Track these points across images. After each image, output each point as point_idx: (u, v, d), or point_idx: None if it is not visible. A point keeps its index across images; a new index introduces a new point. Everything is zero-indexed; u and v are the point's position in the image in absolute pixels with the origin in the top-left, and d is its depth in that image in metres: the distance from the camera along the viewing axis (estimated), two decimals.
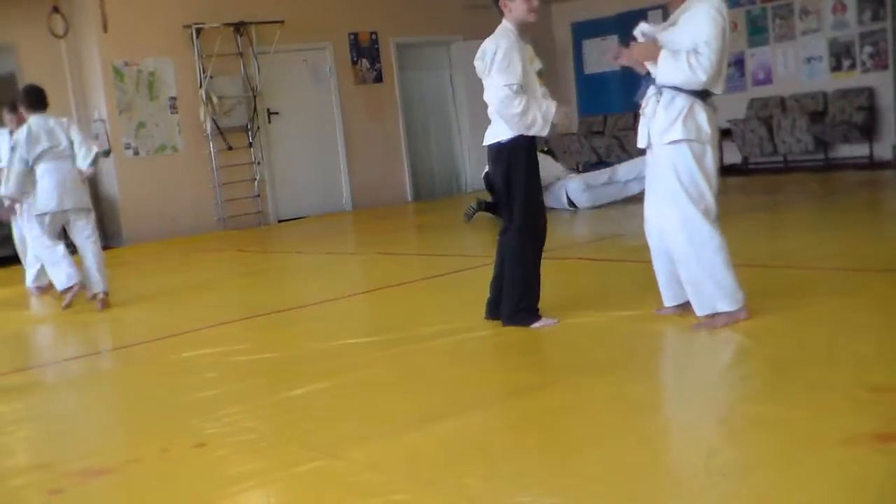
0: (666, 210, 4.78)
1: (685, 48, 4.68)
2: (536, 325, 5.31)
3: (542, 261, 5.38)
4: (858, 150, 12.72)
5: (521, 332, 5.34)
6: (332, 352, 5.32)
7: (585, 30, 15.82)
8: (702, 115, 4.73)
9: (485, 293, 5.69)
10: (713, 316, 4.71)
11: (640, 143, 5.09)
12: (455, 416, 3.93)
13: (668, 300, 5.07)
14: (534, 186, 5.28)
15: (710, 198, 4.76)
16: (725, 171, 13.85)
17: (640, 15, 14.94)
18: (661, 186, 4.82)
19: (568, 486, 3.11)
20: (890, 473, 2.97)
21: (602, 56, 15.66)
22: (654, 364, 4.41)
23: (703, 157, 4.73)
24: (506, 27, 5.20)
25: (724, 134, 13.90)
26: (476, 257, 7.24)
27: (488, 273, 5.71)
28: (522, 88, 5.09)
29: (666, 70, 4.74)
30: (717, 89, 4.77)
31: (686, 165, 4.71)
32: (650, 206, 5.01)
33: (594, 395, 4.06)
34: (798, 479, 3.05)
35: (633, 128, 14.90)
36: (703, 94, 4.75)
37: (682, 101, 4.74)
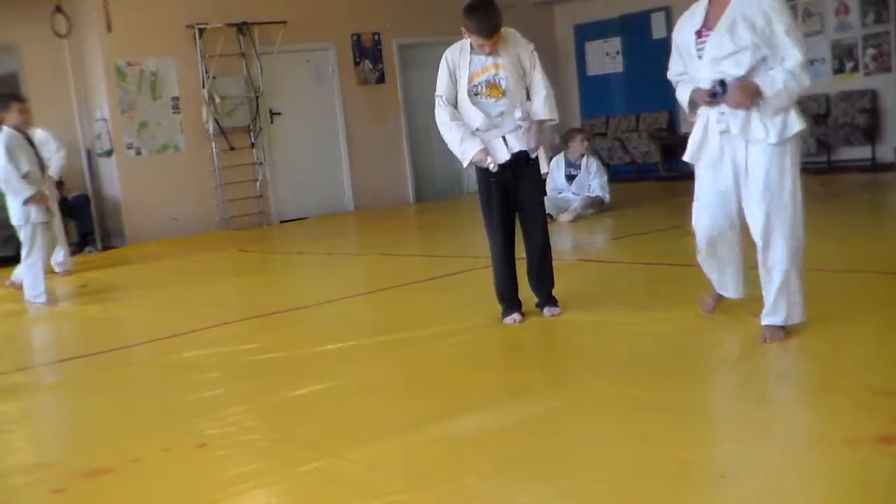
0: (774, 205, 4.37)
1: (747, 47, 4.31)
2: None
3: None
4: (861, 152, 12.71)
5: (522, 333, 5.35)
6: (334, 352, 5.32)
7: (588, 32, 15.83)
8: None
9: (486, 293, 5.71)
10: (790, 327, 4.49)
11: (709, 161, 4.65)
12: (456, 416, 3.94)
13: (733, 291, 4.93)
14: (484, 203, 5.52)
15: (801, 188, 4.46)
16: None
17: (643, 17, 15.04)
18: (765, 184, 4.37)
19: (569, 488, 3.11)
20: (892, 475, 2.98)
21: (604, 57, 15.67)
22: (655, 364, 4.41)
23: (799, 150, 4.47)
24: (464, 40, 5.38)
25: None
26: (477, 258, 7.23)
27: (489, 274, 5.72)
28: (449, 101, 5.41)
29: (778, 104, 4.31)
30: None
31: (796, 160, 4.41)
32: (717, 218, 4.65)
33: (595, 395, 4.06)
34: (800, 480, 3.06)
35: (637, 129, 15.02)
36: None
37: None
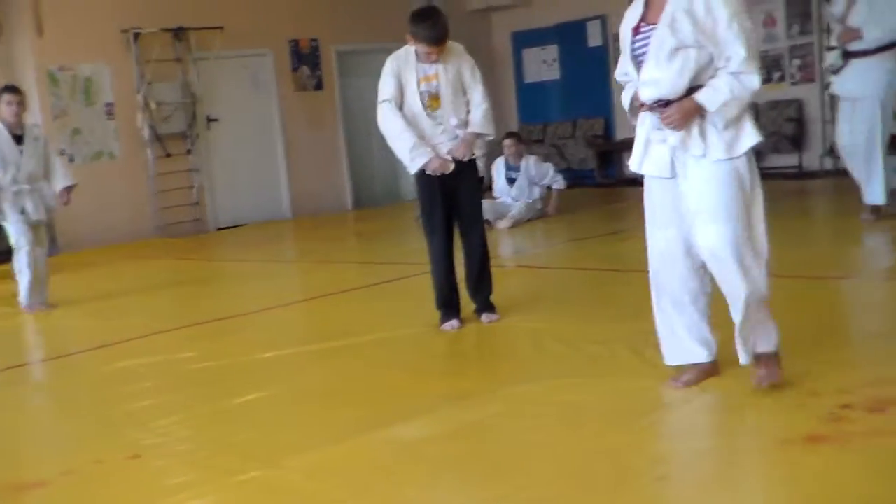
0: (722, 229, 3.73)
1: (689, 44, 3.76)
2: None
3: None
4: (788, 160, 12.97)
5: (460, 339, 5.38)
6: (271, 361, 5.29)
7: (525, 39, 15.92)
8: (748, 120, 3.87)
9: (425, 300, 5.73)
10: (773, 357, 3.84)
11: (654, 171, 3.98)
12: (394, 423, 3.94)
13: (706, 354, 4.05)
14: (426, 210, 5.56)
15: (762, 210, 3.87)
16: None
17: (579, 25, 15.17)
18: (714, 205, 3.76)
19: (507, 494, 3.13)
20: (818, 473, 3.05)
21: (541, 65, 15.78)
22: (591, 370, 4.45)
23: (754, 167, 3.90)
24: (409, 46, 5.43)
25: None
26: (415, 265, 7.24)
27: (427, 280, 5.74)
28: (396, 105, 5.41)
29: (728, 115, 3.78)
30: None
31: (748, 174, 3.83)
32: (672, 242, 3.94)
33: (533, 401, 4.09)
34: (734, 481, 3.11)
35: (573, 136, 15.14)
36: None
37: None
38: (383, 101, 5.44)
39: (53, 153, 7.89)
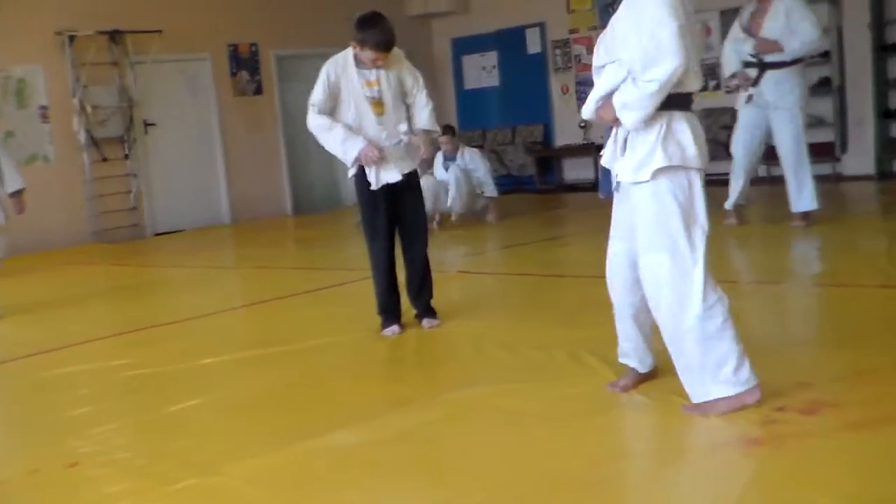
0: (650, 260, 3.69)
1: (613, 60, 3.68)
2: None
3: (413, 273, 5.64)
4: (723, 167, 13.11)
5: (401, 345, 5.39)
6: (209, 367, 5.26)
7: (465, 46, 15.99)
8: (684, 131, 3.63)
9: (365, 305, 5.74)
10: (710, 403, 3.64)
11: (606, 192, 4.04)
12: (335, 429, 3.94)
13: (637, 364, 4.08)
14: (368, 216, 5.55)
15: (700, 242, 3.64)
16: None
17: (519, 32, 15.28)
18: (641, 233, 3.71)
19: (448, 498, 3.15)
20: (753, 475, 3.11)
21: (480, 71, 15.86)
22: (531, 374, 4.49)
23: (690, 188, 3.65)
24: (346, 52, 5.46)
25: (600, 149, 14.19)
26: (355, 270, 7.24)
27: (368, 286, 5.74)
28: (323, 112, 5.45)
29: (629, 120, 3.62)
30: (695, 85, 3.65)
31: (673, 202, 3.61)
32: (618, 255, 3.96)
33: (473, 406, 4.11)
34: (668, 484, 3.16)
35: (513, 142, 15.23)
36: (680, 100, 3.64)
37: (657, 119, 3.61)
38: (311, 105, 5.47)
39: (4, 154, 7.71)
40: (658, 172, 3.61)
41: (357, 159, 5.39)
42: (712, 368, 3.60)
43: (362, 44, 5.32)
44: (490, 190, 10.86)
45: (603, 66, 3.74)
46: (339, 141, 5.39)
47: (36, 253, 11.55)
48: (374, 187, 5.43)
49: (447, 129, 11.04)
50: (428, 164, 5.46)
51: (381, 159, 5.38)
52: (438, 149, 10.55)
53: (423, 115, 5.53)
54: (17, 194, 7.49)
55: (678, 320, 3.62)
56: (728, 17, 13.00)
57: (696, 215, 3.64)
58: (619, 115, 3.62)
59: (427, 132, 5.56)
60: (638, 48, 3.51)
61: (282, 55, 14.35)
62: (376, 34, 5.29)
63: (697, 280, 3.59)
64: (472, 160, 10.80)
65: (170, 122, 13.34)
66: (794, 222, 8.17)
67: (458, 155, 10.82)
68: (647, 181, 3.62)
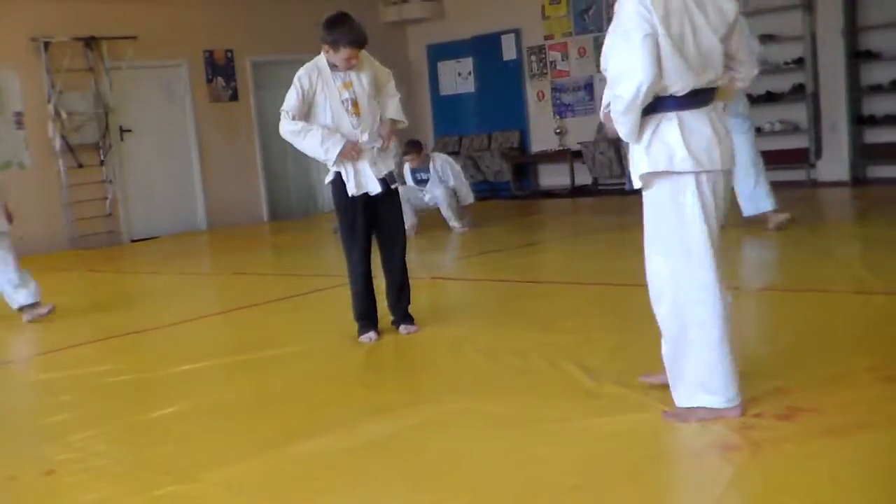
0: (650, 263, 3.69)
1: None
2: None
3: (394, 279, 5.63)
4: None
5: (378, 351, 5.39)
6: (188, 374, 5.25)
7: (440, 52, 16.03)
8: (673, 132, 3.52)
9: (342, 311, 5.75)
10: (691, 409, 3.66)
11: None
12: (314, 436, 3.94)
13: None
14: (346, 224, 5.53)
15: (702, 247, 3.56)
16: (576, 191, 14.25)
17: (494, 38, 15.33)
18: (645, 234, 3.71)
19: None
20: (730, 481, 3.13)
21: (456, 77, 15.90)
22: (508, 380, 4.51)
23: (679, 194, 3.55)
24: (318, 59, 5.46)
25: (576, 155, 14.29)
26: (332, 276, 7.24)
27: (345, 292, 5.75)
28: (294, 118, 5.41)
29: (617, 128, 3.58)
30: (690, 82, 3.49)
31: (669, 206, 3.58)
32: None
33: (451, 412, 4.12)
34: (649, 489, 3.18)
35: (489, 148, 15.28)
36: (672, 103, 3.53)
37: (646, 124, 3.55)
38: (283, 111, 5.45)
39: None
40: (650, 177, 3.59)
41: (338, 157, 5.38)
42: (701, 376, 3.61)
43: (335, 44, 5.32)
44: (465, 196, 10.83)
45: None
46: (318, 142, 5.36)
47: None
48: (352, 193, 5.43)
49: (413, 145, 10.97)
50: (399, 173, 5.51)
51: (360, 158, 5.39)
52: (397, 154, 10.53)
53: (393, 104, 5.56)
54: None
55: (674, 325, 3.64)
56: None
57: (698, 219, 3.55)
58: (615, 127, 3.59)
59: (393, 121, 5.58)
60: (612, 61, 3.51)
61: (258, 62, 14.35)
62: (348, 33, 5.30)
63: (696, 286, 3.57)
64: (444, 170, 10.77)
65: (146, 128, 13.30)
66: (770, 225, 8.26)
67: (430, 166, 10.79)
68: (643, 187, 3.63)
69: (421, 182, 10.86)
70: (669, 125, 3.53)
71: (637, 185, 3.66)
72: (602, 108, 3.72)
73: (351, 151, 5.36)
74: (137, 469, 3.76)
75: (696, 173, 3.54)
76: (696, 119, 3.55)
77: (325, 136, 5.36)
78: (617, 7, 3.53)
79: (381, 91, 5.56)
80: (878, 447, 3.30)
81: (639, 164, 3.59)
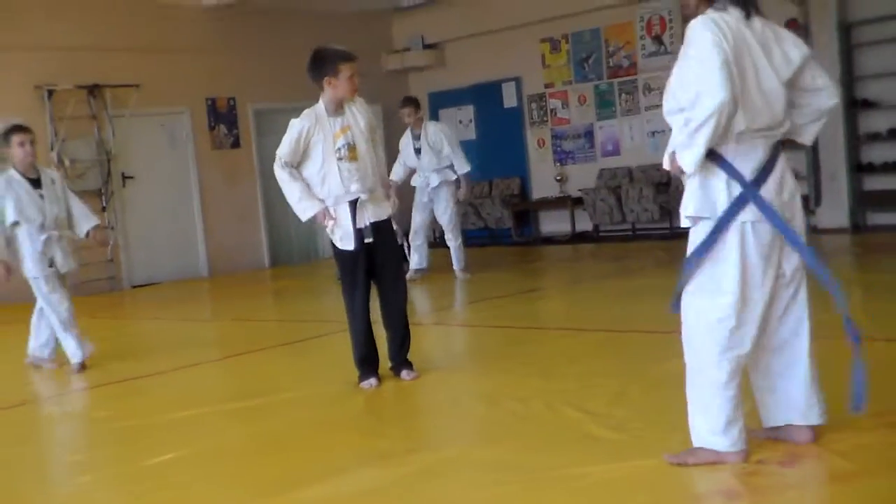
0: (684, 297, 3.72)
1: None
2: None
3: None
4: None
5: (379, 397, 5.38)
6: (188, 419, 5.23)
7: (442, 100, 16.13)
8: (713, 180, 3.55)
9: (342, 357, 5.73)
10: (693, 451, 3.67)
11: None
12: (313, 483, 3.92)
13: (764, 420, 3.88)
14: (346, 271, 5.57)
15: (731, 291, 3.54)
16: (577, 237, 14.27)
17: (495, 86, 15.44)
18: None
19: None
20: None
21: (457, 125, 15.99)
22: (508, 427, 4.49)
23: (723, 231, 3.54)
24: (316, 107, 5.52)
25: (577, 202, 14.34)
26: (333, 322, 7.24)
27: (345, 338, 5.74)
28: (289, 164, 5.50)
29: (680, 158, 3.55)
30: (743, 121, 3.49)
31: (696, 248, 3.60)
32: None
33: (451, 459, 4.11)
34: None
35: (490, 195, 15.33)
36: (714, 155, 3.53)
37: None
38: (278, 158, 5.53)
39: (72, 195, 7.09)
40: (696, 218, 3.60)
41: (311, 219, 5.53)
42: (710, 415, 3.60)
43: (333, 69, 5.37)
44: (460, 165, 10.44)
45: (671, 113, 3.63)
46: (296, 198, 5.50)
47: (12, 304, 11.47)
48: (341, 247, 5.47)
49: (409, 101, 10.64)
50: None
51: (335, 223, 5.46)
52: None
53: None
54: (96, 229, 7.14)
55: (689, 357, 3.66)
56: None
57: (736, 262, 3.53)
58: (678, 160, 3.54)
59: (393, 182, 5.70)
60: (687, 88, 3.48)
61: (259, 109, 14.44)
62: (335, 52, 5.42)
63: (713, 324, 3.55)
64: (437, 138, 10.41)
65: (148, 175, 13.36)
66: None
67: (423, 134, 10.42)
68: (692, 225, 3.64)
69: (417, 151, 10.47)
70: (712, 174, 3.53)
71: (685, 224, 3.65)
72: (667, 153, 3.64)
73: (323, 219, 5.45)
74: None
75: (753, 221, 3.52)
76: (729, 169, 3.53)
77: (302, 195, 5.46)
78: (688, 38, 3.51)
79: (374, 134, 5.64)
80: (882, 494, 3.29)
81: (686, 205, 3.59)
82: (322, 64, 5.39)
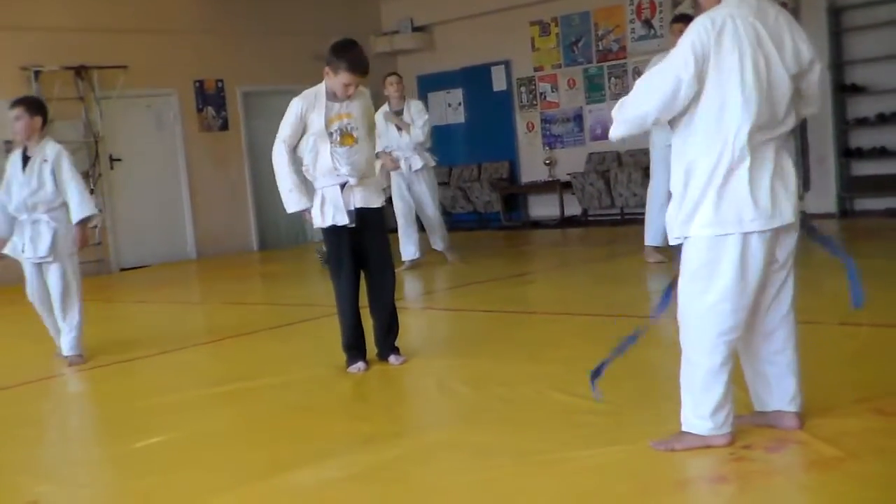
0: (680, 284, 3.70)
1: None
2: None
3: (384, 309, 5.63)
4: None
5: (366, 382, 5.37)
6: (175, 403, 5.22)
7: (431, 83, 16.08)
8: (711, 194, 3.55)
9: (330, 342, 5.72)
10: (679, 435, 3.70)
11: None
12: (301, 467, 3.92)
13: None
14: (333, 256, 5.59)
15: (728, 284, 3.53)
16: (566, 222, 14.27)
17: (484, 70, 15.40)
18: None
19: None
20: None
21: (446, 108, 15.95)
22: (495, 411, 4.49)
23: (712, 250, 3.55)
24: (318, 87, 5.50)
25: (565, 186, 14.33)
26: (321, 307, 7.22)
27: (333, 322, 5.73)
28: (290, 146, 5.51)
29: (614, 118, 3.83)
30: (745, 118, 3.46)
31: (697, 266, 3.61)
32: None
33: (438, 443, 4.11)
34: None
35: (479, 179, 15.31)
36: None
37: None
38: (279, 140, 5.52)
39: (71, 178, 6.48)
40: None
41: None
42: (698, 399, 3.61)
43: (336, 68, 5.34)
44: (415, 136, 10.13)
45: None
46: (286, 188, 5.51)
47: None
48: (317, 225, 5.52)
49: (389, 75, 10.38)
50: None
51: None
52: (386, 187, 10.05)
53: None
54: (81, 225, 6.49)
55: (686, 346, 3.65)
56: None
57: (734, 271, 3.51)
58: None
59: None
60: (650, 73, 3.64)
61: (248, 91, 14.38)
62: (353, 58, 5.36)
63: (712, 312, 3.55)
64: (417, 113, 10.18)
65: (135, 157, 13.30)
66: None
67: (404, 107, 10.18)
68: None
69: (399, 130, 10.15)
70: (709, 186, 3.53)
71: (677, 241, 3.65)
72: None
73: (306, 217, 5.54)
74: (121, 500, 3.75)
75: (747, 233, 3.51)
76: (760, 166, 3.52)
77: (294, 187, 5.48)
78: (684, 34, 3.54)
79: (372, 130, 5.70)
80: (868, 479, 3.29)
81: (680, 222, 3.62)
82: (334, 56, 5.36)
